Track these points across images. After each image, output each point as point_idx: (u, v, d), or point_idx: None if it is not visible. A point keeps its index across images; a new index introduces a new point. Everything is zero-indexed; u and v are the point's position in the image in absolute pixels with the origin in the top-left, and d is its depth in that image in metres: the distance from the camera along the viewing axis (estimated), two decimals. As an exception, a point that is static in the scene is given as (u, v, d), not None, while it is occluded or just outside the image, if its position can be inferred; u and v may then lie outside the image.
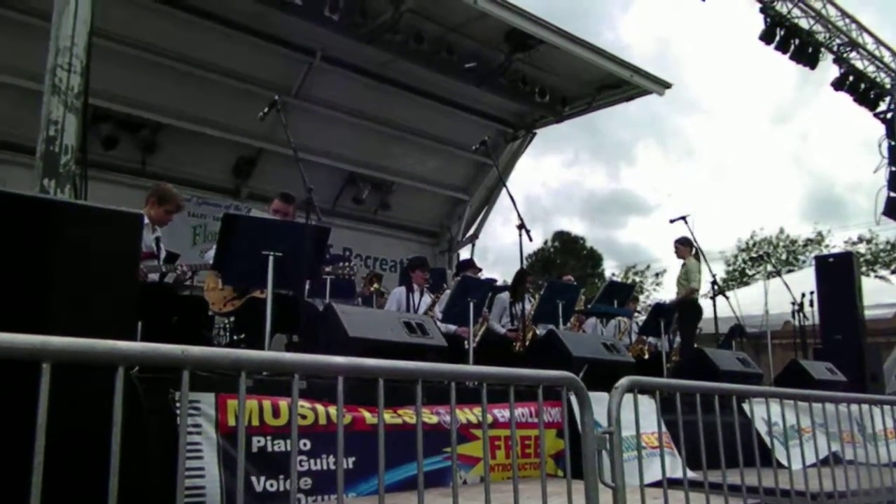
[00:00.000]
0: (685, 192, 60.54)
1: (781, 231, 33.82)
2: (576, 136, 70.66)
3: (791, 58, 10.76)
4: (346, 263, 6.78)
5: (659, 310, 8.51)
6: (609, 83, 10.70)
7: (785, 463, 3.86)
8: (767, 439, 4.31)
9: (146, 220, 4.77)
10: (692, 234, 8.24)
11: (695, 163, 63.85)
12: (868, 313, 9.80)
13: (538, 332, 7.53)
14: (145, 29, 8.45)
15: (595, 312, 8.66)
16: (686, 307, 8.34)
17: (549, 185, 63.71)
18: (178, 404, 3.07)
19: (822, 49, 11.15)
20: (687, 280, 8.36)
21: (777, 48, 10.62)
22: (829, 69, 11.68)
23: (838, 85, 11.76)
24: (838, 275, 9.53)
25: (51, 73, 3.60)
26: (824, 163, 56.40)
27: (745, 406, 4.05)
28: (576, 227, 69.10)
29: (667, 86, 10.64)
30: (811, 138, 57.22)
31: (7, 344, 1.35)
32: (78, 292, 2.60)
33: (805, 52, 10.82)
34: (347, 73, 9.94)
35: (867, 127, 12.73)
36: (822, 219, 61.66)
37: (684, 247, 8.45)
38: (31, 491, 1.37)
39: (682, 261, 8.58)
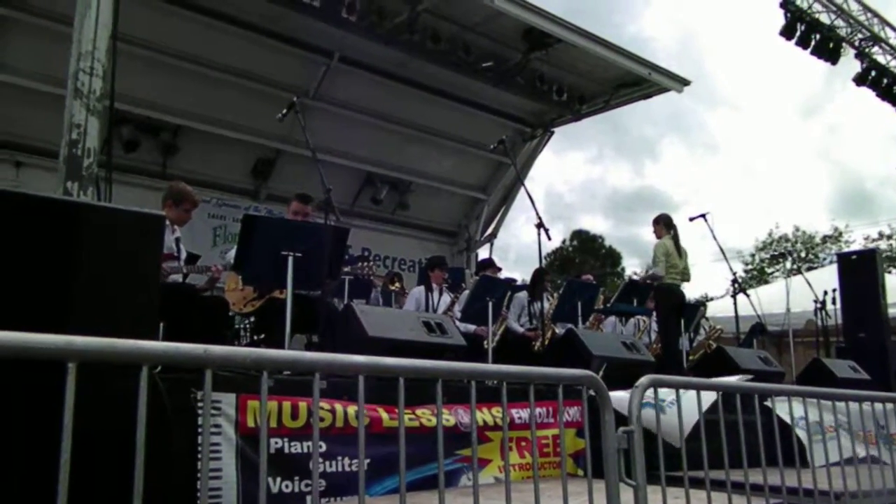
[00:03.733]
0: (711, 189, 60.07)
1: (797, 229, 33.45)
2: (599, 133, 70.53)
3: (812, 53, 10.66)
4: (365, 263, 6.79)
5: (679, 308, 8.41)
6: (627, 81, 10.65)
7: (809, 458, 3.82)
8: (800, 433, 4.25)
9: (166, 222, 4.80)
10: (712, 232, 8.14)
11: (721, 158, 63.38)
12: (892, 311, 9.65)
13: (557, 331, 7.51)
14: (164, 32, 8.52)
15: (614, 311, 8.61)
16: (660, 294, 7.84)
17: (572, 183, 63.68)
18: (199, 404, 3.09)
19: (844, 44, 11.02)
20: (653, 264, 7.97)
21: (798, 44, 10.52)
22: (853, 64, 11.55)
23: (860, 80, 11.62)
24: (861, 272, 9.38)
25: (73, 78, 3.65)
26: (854, 157, 55.37)
27: (768, 404, 4.02)
28: (599, 225, 68.72)
29: (685, 83, 10.57)
30: (841, 132, 56.22)
31: (33, 344, 1.37)
32: (101, 293, 2.63)
33: (826, 47, 10.71)
34: (365, 73, 9.97)
35: (897, 121, 12.55)
36: (852, 214, 60.20)
37: (658, 226, 8.07)
38: (58, 488, 1.38)
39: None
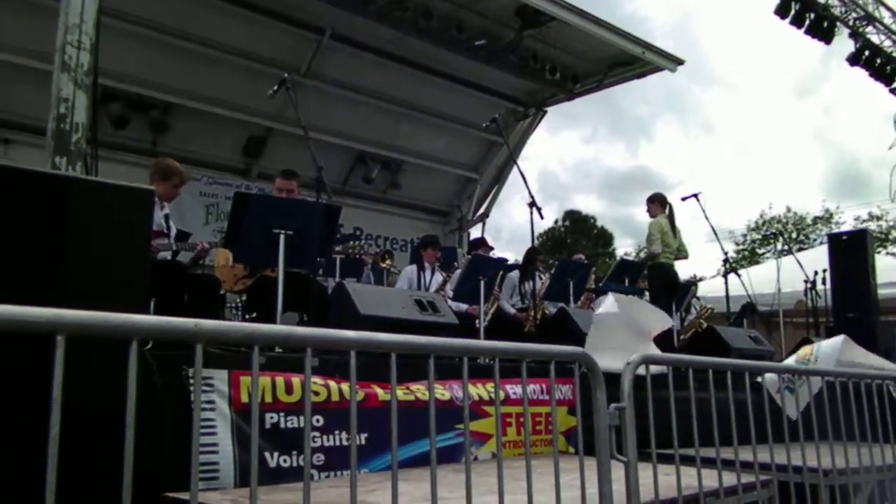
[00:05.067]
0: (705, 169, 60.04)
1: (789, 209, 33.61)
2: (594, 112, 70.20)
3: (806, 32, 10.62)
4: (356, 242, 6.78)
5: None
6: (621, 60, 10.61)
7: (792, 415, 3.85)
8: (778, 397, 4.28)
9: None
10: (704, 212, 8.15)
11: (716, 138, 63.28)
12: (881, 292, 9.71)
13: (548, 311, 7.52)
14: (154, 8, 8.42)
15: (606, 290, 8.62)
16: (652, 272, 7.87)
17: (566, 162, 63.61)
18: (191, 381, 3.09)
19: (838, 23, 10.99)
20: (648, 242, 7.97)
21: (792, 23, 10.48)
22: (847, 43, 11.51)
23: (854, 60, 11.60)
24: (852, 253, 9.42)
25: (60, 51, 3.59)
26: (850, 137, 55.20)
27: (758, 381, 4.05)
28: (593, 205, 68.43)
29: (679, 62, 10.54)
30: (837, 112, 56.03)
31: (22, 317, 1.35)
32: (90, 268, 2.61)
33: (820, 26, 10.68)
34: (356, 51, 9.89)
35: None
36: (846, 195, 59.93)
37: (653, 204, 8.04)
38: (47, 462, 1.37)
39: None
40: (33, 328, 1.37)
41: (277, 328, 1.96)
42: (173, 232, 5.21)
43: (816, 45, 10.85)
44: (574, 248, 32.39)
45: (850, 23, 11.24)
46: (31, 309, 1.37)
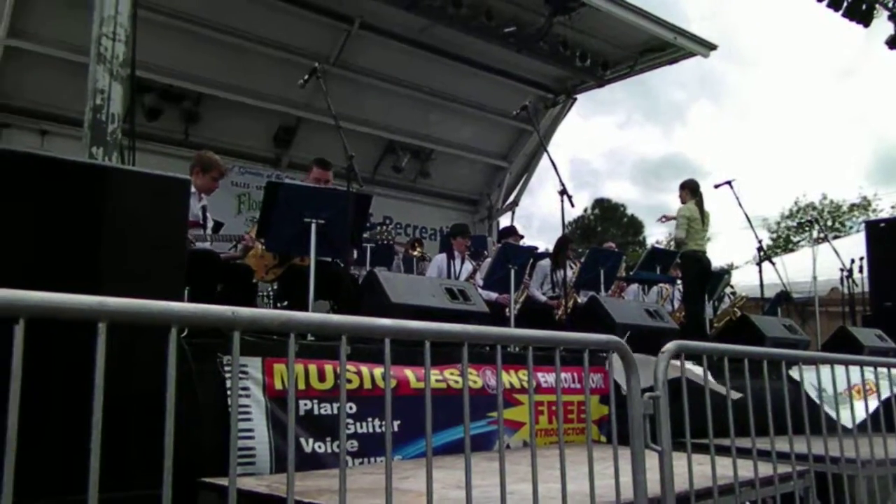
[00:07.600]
0: (742, 155, 58.86)
1: (825, 196, 32.98)
2: (628, 97, 69.10)
3: (844, 15, 10.35)
4: (384, 228, 6.78)
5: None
6: (652, 46, 10.45)
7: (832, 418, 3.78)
8: (816, 398, 4.22)
9: (192, 189, 4.81)
10: (738, 199, 8.02)
11: (753, 123, 62.00)
12: (920, 280, 9.49)
13: (579, 300, 7.49)
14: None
15: (637, 279, 8.57)
16: (685, 261, 7.71)
17: (599, 149, 62.89)
18: (226, 368, 3.13)
19: (877, 6, 10.70)
20: (677, 228, 7.78)
21: (829, 5, 10.23)
22: (886, 26, 11.19)
23: (893, 43, 11.28)
24: (890, 240, 9.23)
25: (96, 43, 3.64)
26: (890, 122, 53.47)
27: (794, 373, 3.99)
28: (627, 192, 67.06)
29: (712, 47, 10.35)
30: (877, 96, 54.13)
31: (65, 304, 1.37)
32: (128, 256, 2.65)
33: (859, 8, 10.39)
34: (386, 40, 9.87)
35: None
36: (885, 182, 58.04)
37: (684, 191, 7.83)
38: (90, 447, 1.40)
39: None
40: (77, 315, 1.40)
41: (313, 316, 1.97)
42: (210, 223, 5.28)
43: (856, 27, 10.56)
44: (603, 236, 32.15)
45: (890, 5, 10.94)
46: (74, 296, 1.39)
